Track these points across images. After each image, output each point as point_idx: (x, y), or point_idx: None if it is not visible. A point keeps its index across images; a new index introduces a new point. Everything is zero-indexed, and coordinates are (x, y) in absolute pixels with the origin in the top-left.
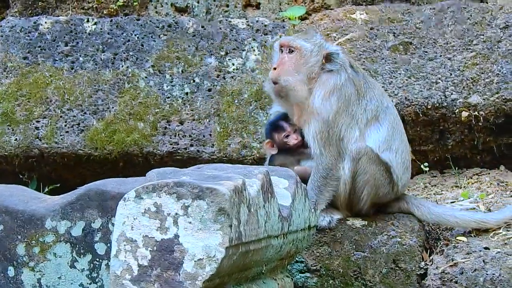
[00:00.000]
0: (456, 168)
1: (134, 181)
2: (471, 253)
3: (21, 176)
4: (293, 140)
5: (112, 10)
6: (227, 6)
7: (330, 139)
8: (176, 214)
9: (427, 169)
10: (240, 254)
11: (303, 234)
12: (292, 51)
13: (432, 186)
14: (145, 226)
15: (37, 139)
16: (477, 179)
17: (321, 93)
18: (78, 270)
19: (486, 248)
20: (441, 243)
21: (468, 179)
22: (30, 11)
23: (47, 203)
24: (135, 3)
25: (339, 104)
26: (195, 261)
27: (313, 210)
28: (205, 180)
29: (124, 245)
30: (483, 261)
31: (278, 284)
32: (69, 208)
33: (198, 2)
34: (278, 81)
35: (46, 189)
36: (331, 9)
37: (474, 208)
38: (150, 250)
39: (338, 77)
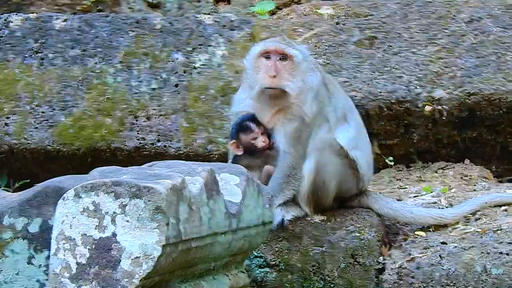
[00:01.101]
0: (422, 162)
1: (91, 178)
2: (428, 248)
3: None
4: (261, 142)
5: (86, 6)
6: (199, 1)
7: (300, 138)
8: (114, 213)
9: (392, 163)
10: (181, 252)
11: (256, 230)
12: (285, 58)
13: (397, 180)
14: (83, 225)
15: (7, 135)
16: (441, 173)
17: (310, 97)
18: (35, 266)
19: (443, 243)
20: (400, 238)
21: (433, 173)
22: (5, 8)
23: (6, 200)
24: None
25: (318, 105)
26: (132, 259)
27: (267, 206)
28: (145, 179)
29: (63, 243)
30: (440, 256)
31: (229, 279)
32: (26, 205)
33: None
34: (282, 88)
35: (17, 184)
36: (301, 3)
37: (435, 203)
38: (88, 249)
39: (316, 78)
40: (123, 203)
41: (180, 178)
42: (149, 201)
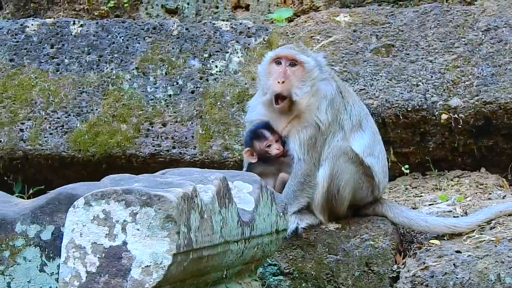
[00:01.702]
0: (437, 170)
1: (102, 185)
2: (442, 257)
3: (5, 178)
4: (275, 150)
5: (103, 11)
6: (217, 7)
7: (315, 146)
8: (125, 221)
9: (408, 171)
10: (192, 260)
11: (270, 238)
12: (295, 64)
13: (412, 188)
14: (93, 233)
15: (22, 141)
16: (457, 181)
17: (324, 105)
18: (48, 274)
19: (457, 251)
20: (414, 246)
21: (449, 181)
22: (22, 13)
23: (18, 207)
24: (125, 5)
25: (332, 114)
26: (142, 268)
27: (281, 214)
28: (156, 187)
29: (73, 252)
30: (454, 264)
31: (243, 287)
32: (39, 212)
33: (188, 4)
34: (289, 95)
35: (31, 191)
36: (319, 10)
37: (451, 211)
38: (98, 257)
39: (330, 86)
40: (134, 211)
41: (192, 186)
42: (159, 209)
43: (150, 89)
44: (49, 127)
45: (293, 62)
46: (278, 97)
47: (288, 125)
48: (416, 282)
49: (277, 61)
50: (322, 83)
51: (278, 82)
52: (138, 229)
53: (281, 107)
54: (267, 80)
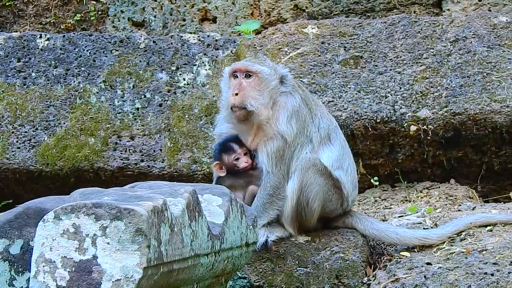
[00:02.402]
0: (407, 182)
1: (72, 199)
2: (413, 269)
3: None
4: (243, 163)
5: (70, 25)
6: (184, 20)
7: (283, 158)
8: (95, 235)
9: (377, 183)
10: (162, 274)
11: (239, 251)
12: (250, 75)
13: (382, 200)
14: (63, 247)
15: None
16: (427, 193)
17: (284, 117)
18: None
19: (428, 263)
20: (385, 259)
21: (418, 193)
22: None
23: None
24: (92, 18)
25: (298, 125)
26: (113, 281)
27: (251, 227)
28: (126, 200)
29: (43, 266)
30: (424, 276)
31: None
32: (7, 226)
33: (155, 17)
34: (244, 106)
35: None
36: (287, 22)
37: (420, 223)
38: (68, 271)
39: (294, 99)
40: (104, 225)
41: (162, 199)
42: (129, 223)
43: (118, 102)
44: (17, 141)
45: (248, 74)
46: (233, 108)
47: (256, 138)
48: None
49: (234, 74)
50: (283, 95)
51: (233, 95)
52: (108, 243)
53: (237, 116)
54: (226, 94)
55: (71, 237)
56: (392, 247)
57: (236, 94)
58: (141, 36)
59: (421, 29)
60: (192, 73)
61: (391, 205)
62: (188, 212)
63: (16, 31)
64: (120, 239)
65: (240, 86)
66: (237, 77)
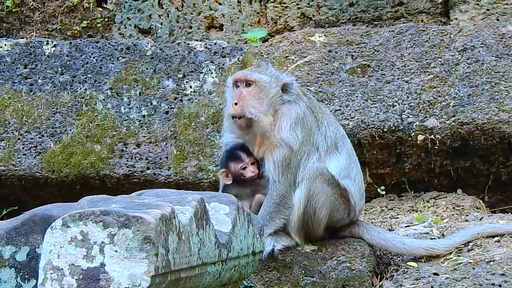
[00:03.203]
0: (414, 191)
1: (80, 206)
2: (420, 279)
3: None
4: (250, 172)
5: (76, 32)
6: (190, 27)
7: (289, 167)
8: (103, 242)
9: (384, 192)
10: (170, 282)
11: (246, 260)
12: (250, 84)
13: (388, 209)
14: (71, 255)
15: None
16: (434, 202)
17: (287, 124)
18: None
19: (435, 274)
20: (392, 269)
21: (425, 203)
22: None
23: None
24: (98, 25)
25: (303, 133)
26: None
27: (258, 236)
28: (134, 208)
29: (51, 273)
30: (431, 287)
31: None
32: (14, 233)
33: (161, 24)
34: (243, 114)
35: (4, 211)
36: (294, 31)
37: (427, 233)
38: (76, 279)
39: (298, 106)
40: (112, 233)
41: (170, 207)
42: (138, 231)
43: (124, 109)
44: (23, 148)
45: (248, 83)
46: (234, 118)
47: (261, 147)
48: None
49: (236, 84)
50: (287, 103)
51: (233, 105)
52: (116, 251)
53: (238, 124)
54: (229, 104)
55: (79, 245)
56: (399, 257)
57: (236, 104)
58: (147, 43)
59: (429, 38)
60: (199, 80)
61: (397, 214)
62: (196, 220)
63: (23, 38)
64: (128, 247)
65: (240, 96)
66: (239, 86)
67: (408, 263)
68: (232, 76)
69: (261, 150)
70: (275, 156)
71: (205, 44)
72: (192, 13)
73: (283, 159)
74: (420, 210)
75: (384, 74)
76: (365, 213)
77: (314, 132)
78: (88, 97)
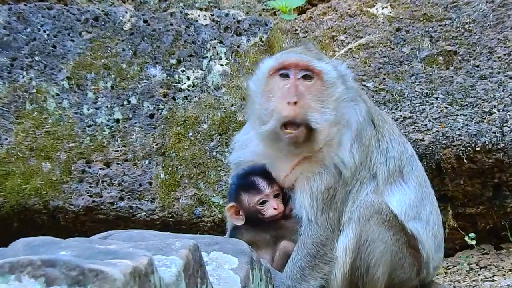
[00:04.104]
0: None
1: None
2: None
3: None
4: (271, 209)
5: None
6: None
7: (333, 201)
8: None
9: (474, 242)
10: None
11: None
12: (310, 77)
13: (480, 268)
14: None
15: None
16: None
17: (348, 139)
18: None
19: None
20: None
21: None
22: None
23: None
24: None
25: (360, 152)
26: None
27: None
28: (93, 257)
29: None
30: None
31: None
32: None
33: None
34: (306, 121)
35: None
36: None
37: None
38: None
39: (358, 111)
40: None
41: (146, 257)
42: None
43: (88, 110)
44: None
45: (307, 74)
46: (288, 125)
47: (294, 171)
48: None
49: (283, 72)
50: (347, 106)
51: (288, 103)
52: None
53: (294, 136)
54: (266, 101)
55: None
56: None
57: (295, 103)
58: (125, 12)
59: None
60: (201, 69)
61: (494, 275)
62: (186, 277)
63: None
64: None
65: (298, 91)
66: (288, 76)
67: None
68: (276, 57)
69: (292, 175)
70: (315, 185)
71: (212, 15)
72: None
73: (326, 190)
74: None
75: (478, 66)
76: (445, 273)
77: (372, 151)
78: (35, 90)
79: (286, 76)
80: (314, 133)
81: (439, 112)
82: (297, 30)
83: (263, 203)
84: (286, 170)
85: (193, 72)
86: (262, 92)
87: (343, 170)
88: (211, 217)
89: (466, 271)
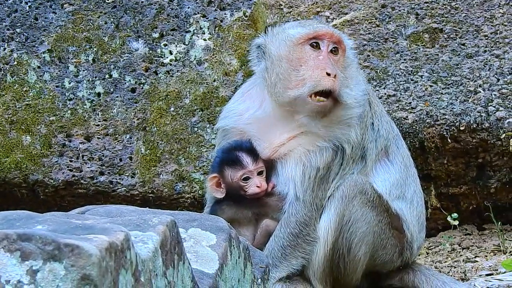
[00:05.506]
0: (502, 223)
1: None
2: None
3: None
4: (254, 187)
5: None
6: None
7: (323, 181)
8: (19, 282)
9: (456, 222)
10: None
11: None
12: (337, 50)
13: (463, 249)
14: None
15: None
16: None
17: (357, 117)
18: None
19: None
20: None
21: None
22: None
23: None
24: None
25: (361, 131)
26: None
27: (260, 281)
28: (69, 232)
29: None
30: None
31: None
32: None
33: None
34: (339, 94)
35: None
36: None
37: None
38: None
39: (364, 89)
40: (34, 268)
41: (123, 233)
42: (72, 266)
43: (69, 83)
44: None
45: (336, 47)
46: (320, 94)
47: (292, 141)
48: None
49: (314, 42)
50: (359, 83)
51: (329, 75)
52: None
53: (325, 105)
54: (294, 69)
55: None
56: None
57: (335, 76)
58: None
59: None
60: (184, 43)
61: (476, 256)
62: (163, 254)
63: None
64: None
65: (333, 65)
66: (319, 47)
67: None
68: (307, 26)
69: (287, 146)
70: (312, 160)
71: None
72: None
73: (321, 167)
74: (510, 252)
75: (464, 44)
76: (427, 253)
77: (368, 130)
78: (15, 62)
79: (317, 47)
80: (338, 108)
81: (424, 91)
82: (281, 5)
83: (246, 179)
84: (281, 139)
85: (176, 46)
86: (289, 58)
87: (347, 149)
88: (192, 194)
89: (448, 251)
